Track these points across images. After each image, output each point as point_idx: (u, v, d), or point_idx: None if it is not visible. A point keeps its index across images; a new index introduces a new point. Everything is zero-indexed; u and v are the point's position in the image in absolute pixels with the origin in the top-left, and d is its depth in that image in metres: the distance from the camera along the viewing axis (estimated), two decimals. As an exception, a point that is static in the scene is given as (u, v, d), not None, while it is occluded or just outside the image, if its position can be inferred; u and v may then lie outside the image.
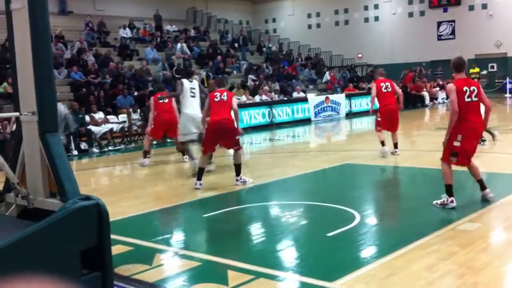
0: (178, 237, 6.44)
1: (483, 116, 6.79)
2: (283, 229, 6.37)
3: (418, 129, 17.15)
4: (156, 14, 27.56)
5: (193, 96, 10.19)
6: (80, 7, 26.35)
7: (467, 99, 6.48)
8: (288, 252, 5.52)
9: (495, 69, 29.50)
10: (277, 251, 5.54)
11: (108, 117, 16.03)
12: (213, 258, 5.30)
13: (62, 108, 12.46)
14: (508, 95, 27.17)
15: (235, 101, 8.95)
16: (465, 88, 6.50)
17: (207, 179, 9.43)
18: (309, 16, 36.56)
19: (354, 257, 5.23)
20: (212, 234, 6.53)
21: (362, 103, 23.77)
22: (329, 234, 5.79)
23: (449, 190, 6.68)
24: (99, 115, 15.77)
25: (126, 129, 15.81)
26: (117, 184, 9.82)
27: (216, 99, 8.71)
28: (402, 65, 30.34)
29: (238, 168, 8.82)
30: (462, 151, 6.57)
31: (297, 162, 11.32)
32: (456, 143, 6.54)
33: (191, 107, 10.13)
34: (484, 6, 30.08)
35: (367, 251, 5.39)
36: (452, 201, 6.61)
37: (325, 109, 21.71)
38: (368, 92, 24.45)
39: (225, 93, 8.84)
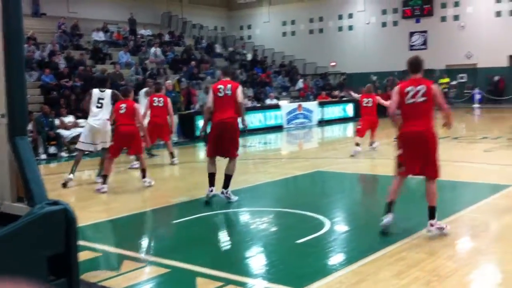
0: (146, 243, 6.39)
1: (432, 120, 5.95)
2: (253, 236, 6.37)
3: (388, 137, 17.32)
4: (131, 17, 27.39)
5: (100, 107, 9.65)
6: (54, 10, 25.99)
7: (409, 101, 5.83)
8: (257, 259, 5.53)
9: (465, 79, 30.06)
10: (246, 258, 5.54)
11: (79, 121, 15.83)
12: (182, 264, 5.27)
13: None
14: (476, 105, 27.74)
15: (240, 93, 7.85)
16: (408, 88, 5.84)
17: (177, 184, 9.41)
18: (284, 23, 36.78)
19: (323, 264, 5.26)
20: (181, 240, 6.49)
21: (334, 111, 24.01)
22: (299, 241, 5.82)
23: (389, 207, 6.10)
24: (69, 119, 15.56)
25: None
26: (86, 189, 9.70)
27: (219, 94, 7.79)
28: (374, 74, 30.74)
29: (228, 180, 7.95)
30: (403, 158, 6.02)
31: (269, 169, 11.36)
32: (400, 151, 6.06)
33: (96, 117, 9.68)
34: (456, 18, 30.67)
35: (336, 258, 5.44)
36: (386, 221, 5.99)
37: (298, 116, 21.85)
38: (340, 101, 24.93)
39: (229, 85, 7.80)
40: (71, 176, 9.69)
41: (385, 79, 28.97)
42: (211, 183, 7.93)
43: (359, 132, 12.57)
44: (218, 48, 30.02)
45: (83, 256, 5.59)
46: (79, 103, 16.87)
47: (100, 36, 24.36)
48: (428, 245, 5.59)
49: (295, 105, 21.92)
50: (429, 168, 5.87)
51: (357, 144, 12.27)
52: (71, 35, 23.55)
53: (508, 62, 28.84)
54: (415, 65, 6.02)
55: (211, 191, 7.93)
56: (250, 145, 16.44)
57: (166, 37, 27.99)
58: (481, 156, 11.80)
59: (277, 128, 20.54)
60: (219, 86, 7.82)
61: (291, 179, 10.08)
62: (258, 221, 6.97)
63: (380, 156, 12.13)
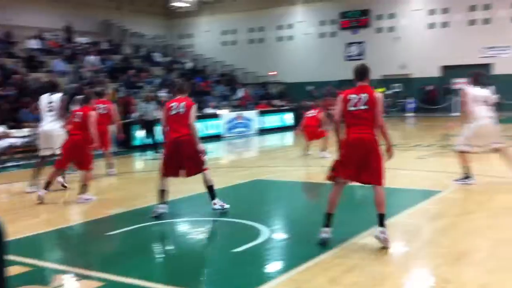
0: (79, 256, 6.16)
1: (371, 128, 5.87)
2: (190, 246, 6.30)
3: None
4: (67, 25, 26.71)
5: (50, 111, 9.61)
6: (-13, 17, 25.05)
7: (351, 108, 5.83)
8: (194, 269, 5.47)
9: (400, 89, 31.02)
10: (183, 268, 5.47)
11: (11, 131, 15.25)
12: (117, 278, 5.14)
13: None
14: (408, 114, 28.71)
15: (193, 113, 7.54)
16: (351, 96, 5.87)
17: (114, 195, 9.21)
18: (224, 33, 36.87)
19: (260, 272, 5.26)
20: (116, 252, 6.32)
21: (273, 120, 24.24)
22: (236, 250, 5.80)
23: (327, 218, 5.97)
24: (1, 129, 14.98)
25: (30, 144, 15.10)
26: (16, 202, 9.34)
27: (171, 112, 7.48)
28: (312, 83, 31.29)
29: (212, 190, 7.72)
30: (341, 164, 5.98)
31: (208, 178, 11.27)
32: (337, 157, 6.06)
33: (46, 121, 9.61)
34: (391, 29, 31.67)
35: (273, 266, 5.45)
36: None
37: (237, 125, 21.90)
38: (279, 110, 25.27)
39: (183, 103, 7.50)
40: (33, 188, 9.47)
41: (324, 89, 29.51)
42: (161, 200, 7.60)
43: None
44: (158, 57, 29.73)
45: (13, 271, 5.36)
46: (13, 112, 16.31)
47: (34, 43, 23.64)
48: (363, 250, 5.69)
49: (234, 114, 21.96)
50: (373, 175, 5.83)
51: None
52: (5, 43, 22.74)
53: (440, 73, 30.01)
54: (360, 72, 6.03)
55: (163, 208, 7.59)
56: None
57: (104, 45, 27.47)
58: (414, 163, 12.17)
59: (217, 137, 20.50)
60: (172, 104, 7.53)
61: (230, 188, 10.05)
62: (196, 231, 6.90)
63: (318, 164, 12.29)
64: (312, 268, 5.20)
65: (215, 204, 7.67)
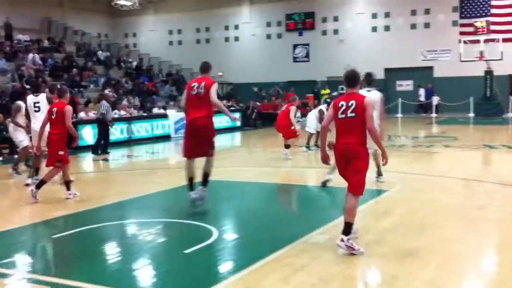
0: (24, 260, 5.97)
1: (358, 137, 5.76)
2: (140, 248, 6.20)
3: (273, 146, 17.74)
4: (6, 22, 25.78)
5: (38, 111, 9.84)
6: None
7: (340, 115, 5.76)
8: (144, 271, 5.38)
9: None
10: (133, 271, 5.37)
11: None
12: (63, 281, 5.00)
13: None
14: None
15: (213, 92, 7.64)
16: (341, 103, 5.78)
17: (58, 196, 8.95)
18: (170, 32, 36.54)
19: (211, 273, 5.24)
20: (63, 255, 6.15)
21: (222, 121, 24.16)
22: (187, 251, 5.75)
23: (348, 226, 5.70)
24: None
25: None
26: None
27: (192, 92, 7.64)
28: (260, 84, 31.44)
29: (206, 178, 7.90)
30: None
31: (156, 179, 11.16)
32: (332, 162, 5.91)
33: (37, 121, 9.64)
34: (336, 32, 32.22)
35: (224, 267, 5.44)
36: (359, 249, 5.61)
37: (184, 126, 21.72)
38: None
39: (203, 83, 7.60)
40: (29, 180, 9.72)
41: (271, 89, 29.82)
42: (191, 187, 7.92)
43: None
44: (102, 56, 29.13)
45: (-50, 277, 5.14)
46: None
47: (-28, 40, 22.75)
48: (313, 249, 5.75)
49: (183, 114, 21.75)
50: (354, 183, 5.75)
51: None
52: None
53: (384, 75, 30.75)
54: (350, 79, 5.89)
55: (196, 193, 7.89)
56: (137, 155, 16.08)
57: (46, 43, 26.69)
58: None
59: (165, 138, 20.27)
60: (193, 83, 7.68)
61: (180, 189, 9.94)
62: (145, 233, 6.80)
63: (268, 165, 12.38)
64: (263, 268, 5.23)
65: (196, 193, 7.86)
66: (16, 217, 8.04)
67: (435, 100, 28.79)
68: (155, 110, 22.22)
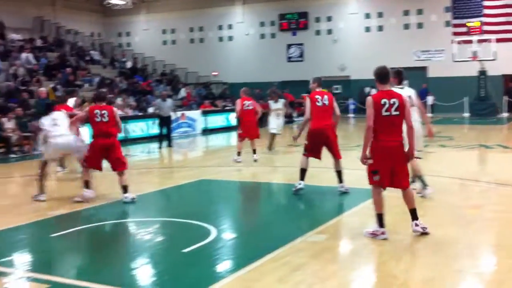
0: (23, 258, 5.97)
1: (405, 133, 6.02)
2: (138, 247, 6.22)
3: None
4: (-1, 21, 25.67)
5: (56, 125, 8.80)
6: None
7: (384, 113, 5.86)
8: (143, 270, 5.40)
9: (340, 90, 31.64)
10: (131, 270, 5.39)
11: None
12: (63, 279, 5.02)
13: None
14: (351, 115, 29.33)
15: (336, 104, 8.83)
16: (383, 100, 5.88)
17: (55, 196, 8.93)
18: (164, 32, 36.47)
19: (210, 272, 5.25)
20: (61, 254, 6.16)
21: (217, 120, 24.22)
22: (185, 250, 5.77)
23: (378, 220, 6.05)
24: None
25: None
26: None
27: (318, 103, 8.51)
28: (254, 84, 31.42)
29: (340, 175, 8.74)
30: (379, 170, 5.99)
31: (153, 179, 11.17)
32: (371, 161, 6.03)
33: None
34: (329, 32, 32.26)
35: (222, 266, 5.46)
36: (383, 233, 5.98)
37: (181, 125, 21.74)
38: (223, 110, 25.21)
39: (326, 96, 8.65)
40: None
41: (268, 89, 29.62)
42: (302, 177, 8.56)
43: (242, 137, 12.71)
44: (96, 55, 29.06)
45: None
46: None
47: (-35, 39, 22.63)
48: (310, 249, 5.78)
49: (178, 114, 21.75)
50: (404, 179, 6.02)
51: (239, 154, 12.54)
52: None
53: (377, 75, 30.79)
54: (382, 76, 6.06)
55: (300, 184, 8.52)
56: (133, 155, 16.05)
57: (38, 42, 26.59)
58: (357, 162, 12.41)
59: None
60: (317, 96, 8.56)
61: (176, 188, 9.99)
62: (143, 232, 6.81)
63: (262, 164, 12.39)
64: (261, 267, 5.25)
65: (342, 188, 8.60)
66: (14, 216, 8.01)
67: (430, 100, 28.89)
68: (150, 110, 22.16)
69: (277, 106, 15.14)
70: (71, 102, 10.89)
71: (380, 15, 31.09)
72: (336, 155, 8.66)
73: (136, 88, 25.63)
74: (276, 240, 6.08)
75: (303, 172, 8.62)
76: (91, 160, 8.47)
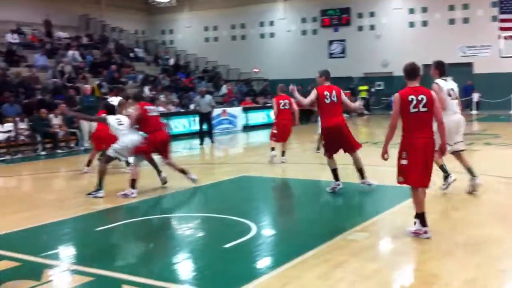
0: (68, 251, 6.16)
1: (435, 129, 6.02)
2: (180, 242, 6.31)
3: (311, 143, 17.71)
4: (46, 19, 26.37)
5: (121, 124, 9.09)
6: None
7: (412, 110, 5.83)
8: (184, 265, 5.48)
9: (382, 87, 31.24)
10: (173, 264, 5.48)
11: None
12: (107, 272, 5.14)
13: None
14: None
15: (344, 97, 8.62)
16: (411, 97, 5.84)
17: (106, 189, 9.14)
18: (206, 29, 36.77)
19: (250, 268, 5.29)
20: (105, 248, 6.30)
21: (258, 117, 24.26)
22: (226, 246, 5.83)
23: (420, 219, 5.98)
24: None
25: (12, 139, 14.96)
26: (2, 196, 9.24)
27: (326, 100, 8.34)
28: (295, 80, 31.28)
29: (361, 171, 8.69)
30: (408, 169, 5.92)
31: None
32: (403, 161, 5.93)
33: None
34: (372, 27, 31.87)
35: (263, 262, 5.48)
36: (426, 232, 5.91)
37: (222, 122, 21.90)
38: (264, 106, 25.17)
39: (333, 92, 8.43)
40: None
41: (308, 86, 29.52)
42: (336, 177, 8.52)
43: (276, 138, 12.36)
44: (140, 53, 29.55)
45: (1, 265, 5.34)
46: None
47: (14, 38, 23.34)
48: (351, 246, 5.76)
49: (219, 110, 21.92)
50: (426, 178, 5.97)
51: (273, 149, 12.24)
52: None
53: (423, 70, 30.18)
54: (411, 71, 6.03)
55: (338, 185, 8.50)
56: (175, 151, 16.26)
57: (84, 40, 27.21)
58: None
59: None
60: (325, 92, 8.31)
61: (217, 184, 10.08)
62: (185, 227, 6.91)
63: (304, 160, 12.37)
64: (301, 264, 5.25)
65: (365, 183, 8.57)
66: (59, 210, 8.25)
67: (476, 97, 28.19)
68: (192, 106, 22.39)
69: None
70: (116, 100, 11.08)
71: (424, 10, 30.51)
72: (354, 147, 8.50)
73: (179, 85, 25.94)
74: (316, 238, 6.08)
75: (334, 172, 8.55)
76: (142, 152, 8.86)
